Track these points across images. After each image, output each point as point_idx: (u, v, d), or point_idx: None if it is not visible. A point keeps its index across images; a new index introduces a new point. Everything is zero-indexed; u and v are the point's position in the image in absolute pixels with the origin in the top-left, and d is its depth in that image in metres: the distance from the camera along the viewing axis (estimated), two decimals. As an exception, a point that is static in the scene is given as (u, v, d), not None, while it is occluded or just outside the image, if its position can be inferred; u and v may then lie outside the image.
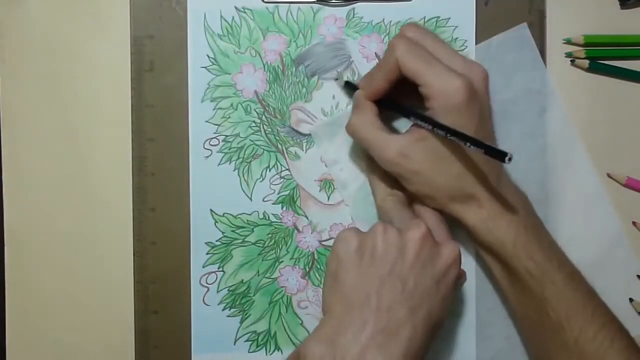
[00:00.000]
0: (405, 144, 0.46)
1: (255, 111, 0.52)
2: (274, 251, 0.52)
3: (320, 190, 0.52)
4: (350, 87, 0.51)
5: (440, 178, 0.46)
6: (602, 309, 0.46)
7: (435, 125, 0.44)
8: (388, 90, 0.47)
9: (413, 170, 0.46)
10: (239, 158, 0.52)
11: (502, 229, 0.46)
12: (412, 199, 0.50)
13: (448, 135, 0.43)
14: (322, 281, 0.52)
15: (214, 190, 0.52)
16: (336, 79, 0.52)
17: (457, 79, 0.44)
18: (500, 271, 0.48)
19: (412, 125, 0.47)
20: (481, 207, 0.46)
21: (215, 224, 0.52)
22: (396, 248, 0.43)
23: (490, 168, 0.46)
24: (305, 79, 0.52)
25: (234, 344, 0.52)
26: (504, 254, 0.46)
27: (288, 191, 0.52)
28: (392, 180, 0.51)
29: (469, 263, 0.52)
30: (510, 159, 0.40)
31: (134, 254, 0.52)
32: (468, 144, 0.42)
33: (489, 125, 0.47)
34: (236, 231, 0.52)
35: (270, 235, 0.52)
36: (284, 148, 0.52)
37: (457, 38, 0.52)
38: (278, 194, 0.52)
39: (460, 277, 0.46)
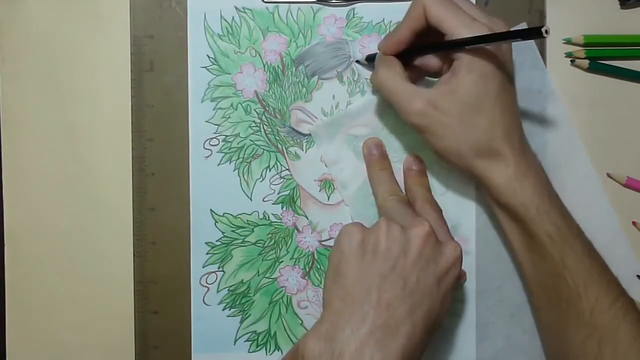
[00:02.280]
0: (434, 94, 0.45)
1: (255, 111, 0.52)
2: (274, 251, 0.52)
3: (320, 190, 0.52)
4: (372, 59, 0.51)
5: (468, 131, 0.45)
6: (616, 281, 0.46)
7: (466, 42, 0.44)
8: (408, 42, 0.47)
9: (441, 122, 0.45)
10: (239, 158, 0.52)
11: (528, 192, 0.46)
12: (414, 195, 0.50)
13: (479, 37, 0.43)
14: (322, 280, 0.52)
15: (214, 190, 0.52)
16: (357, 61, 0.52)
17: (483, 28, 0.44)
18: (519, 235, 0.48)
19: (440, 78, 0.47)
20: (508, 166, 0.46)
21: (215, 224, 0.52)
22: (399, 244, 0.43)
23: (514, 126, 0.46)
24: (305, 79, 0.52)
25: (234, 344, 0.52)
26: (526, 217, 0.46)
27: (288, 191, 0.52)
28: (393, 180, 0.51)
29: (469, 263, 0.52)
30: (547, 32, 0.39)
31: (134, 254, 0.52)
32: (501, 33, 0.42)
33: (512, 79, 0.47)
34: (236, 231, 0.52)
35: (270, 235, 0.52)
36: (284, 148, 0.52)
37: (457, 38, 0.52)
38: (278, 194, 0.52)
39: (461, 277, 0.46)
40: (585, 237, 0.47)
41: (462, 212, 0.52)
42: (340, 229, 0.45)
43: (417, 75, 0.50)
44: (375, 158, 0.51)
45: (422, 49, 0.48)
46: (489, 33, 0.43)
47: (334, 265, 0.44)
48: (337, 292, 0.43)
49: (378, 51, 0.49)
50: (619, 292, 0.45)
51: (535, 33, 0.40)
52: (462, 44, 0.44)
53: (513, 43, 0.46)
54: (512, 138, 0.46)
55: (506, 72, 0.46)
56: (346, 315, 0.42)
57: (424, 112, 0.45)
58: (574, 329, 0.45)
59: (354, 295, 0.42)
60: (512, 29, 0.42)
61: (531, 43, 0.52)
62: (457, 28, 0.44)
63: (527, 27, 0.40)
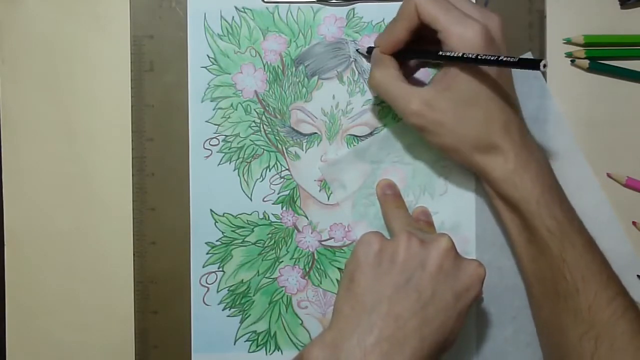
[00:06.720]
0: (429, 94, 0.45)
1: (255, 111, 0.52)
2: (274, 251, 0.52)
3: (320, 190, 0.52)
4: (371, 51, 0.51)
5: (465, 127, 0.45)
6: (616, 278, 0.46)
7: (462, 57, 0.43)
8: (405, 40, 0.47)
9: (438, 121, 0.45)
10: (239, 158, 0.52)
11: (528, 186, 0.45)
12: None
13: (478, 57, 0.43)
14: (322, 280, 0.52)
15: (214, 190, 0.52)
16: (357, 49, 0.52)
17: (475, 24, 0.44)
18: (519, 229, 0.47)
19: (434, 76, 0.47)
20: (507, 160, 0.45)
21: (215, 224, 0.52)
22: (417, 258, 0.43)
23: (512, 119, 0.46)
24: (305, 79, 0.52)
25: (234, 344, 0.52)
26: (526, 211, 0.46)
27: (288, 191, 0.52)
28: (409, 215, 0.51)
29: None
30: (545, 66, 0.39)
31: (134, 254, 0.52)
32: (500, 58, 0.42)
33: (508, 72, 0.47)
34: (236, 231, 0.52)
35: (270, 235, 0.52)
36: (284, 148, 0.52)
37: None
38: (278, 194, 0.52)
39: (478, 296, 0.45)
40: (586, 232, 0.47)
41: (462, 212, 0.52)
42: (360, 236, 0.45)
43: (414, 68, 0.51)
44: (390, 197, 0.51)
45: (417, 54, 0.48)
46: (484, 55, 0.43)
47: (349, 272, 0.44)
48: (348, 300, 0.43)
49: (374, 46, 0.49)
50: (618, 289, 0.45)
51: (533, 63, 0.40)
52: (455, 60, 0.44)
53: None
54: (511, 131, 0.46)
55: None
56: (354, 324, 0.41)
57: (421, 113, 0.45)
58: (571, 324, 0.45)
59: (364, 304, 0.42)
60: (513, 58, 0.41)
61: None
62: (450, 25, 0.44)
63: (528, 58, 0.40)
